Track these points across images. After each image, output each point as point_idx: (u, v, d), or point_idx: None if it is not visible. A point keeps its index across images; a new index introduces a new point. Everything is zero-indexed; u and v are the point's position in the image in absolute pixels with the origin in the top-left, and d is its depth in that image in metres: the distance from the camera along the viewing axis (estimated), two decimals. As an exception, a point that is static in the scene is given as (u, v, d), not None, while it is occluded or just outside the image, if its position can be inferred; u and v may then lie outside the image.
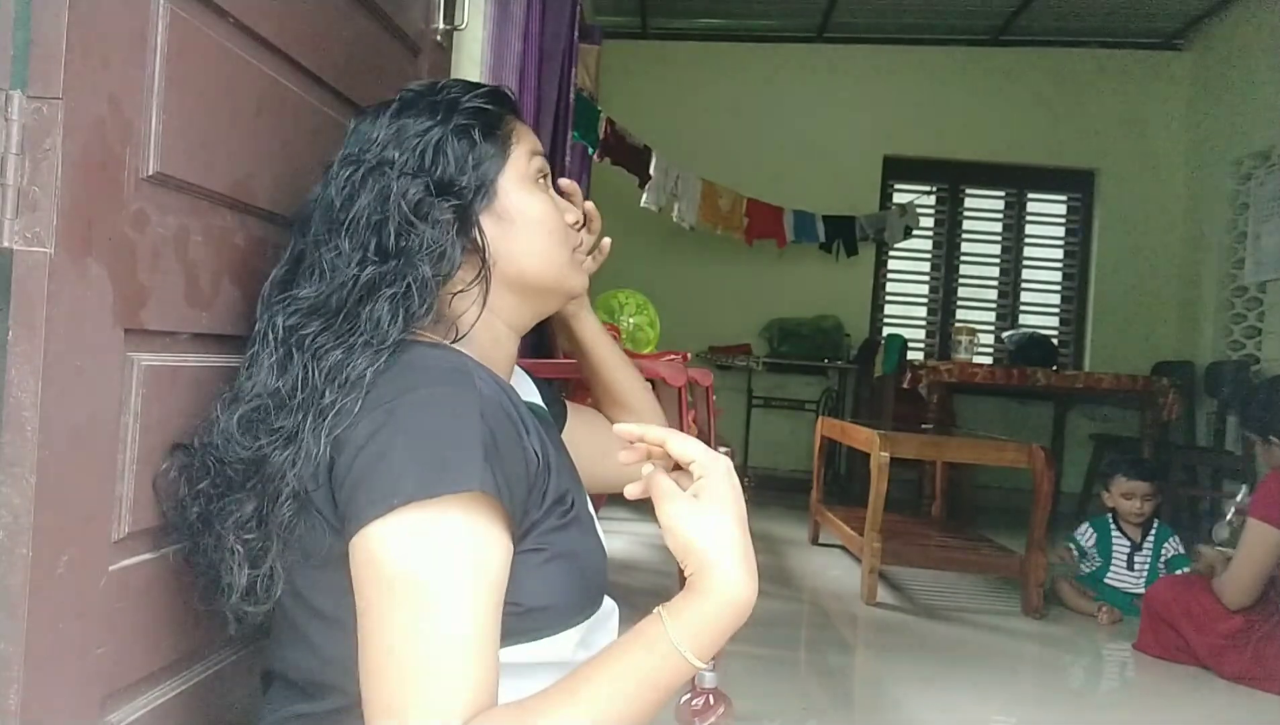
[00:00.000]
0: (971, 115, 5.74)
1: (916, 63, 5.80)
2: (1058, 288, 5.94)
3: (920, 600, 3.12)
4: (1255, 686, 2.37)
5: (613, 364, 1.12)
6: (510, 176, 0.88)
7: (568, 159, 3.02)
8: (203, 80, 0.86)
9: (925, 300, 6.00)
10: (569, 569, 0.81)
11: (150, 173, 0.80)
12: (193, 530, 0.81)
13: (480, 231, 0.85)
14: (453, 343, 0.84)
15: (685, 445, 0.78)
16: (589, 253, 1.05)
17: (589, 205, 1.06)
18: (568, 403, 1.12)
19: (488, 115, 0.88)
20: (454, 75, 1.61)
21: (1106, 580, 3.10)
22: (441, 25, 1.50)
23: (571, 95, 2.96)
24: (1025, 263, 5.94)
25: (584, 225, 1.00)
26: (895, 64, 5.81)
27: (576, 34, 2.96)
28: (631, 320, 3.01)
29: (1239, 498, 2.72)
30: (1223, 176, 5.18)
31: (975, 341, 4.28)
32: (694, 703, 1.61)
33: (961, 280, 5.97)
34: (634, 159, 4.47)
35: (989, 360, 5.40)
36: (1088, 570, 3.14)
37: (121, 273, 0.78)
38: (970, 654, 2.57)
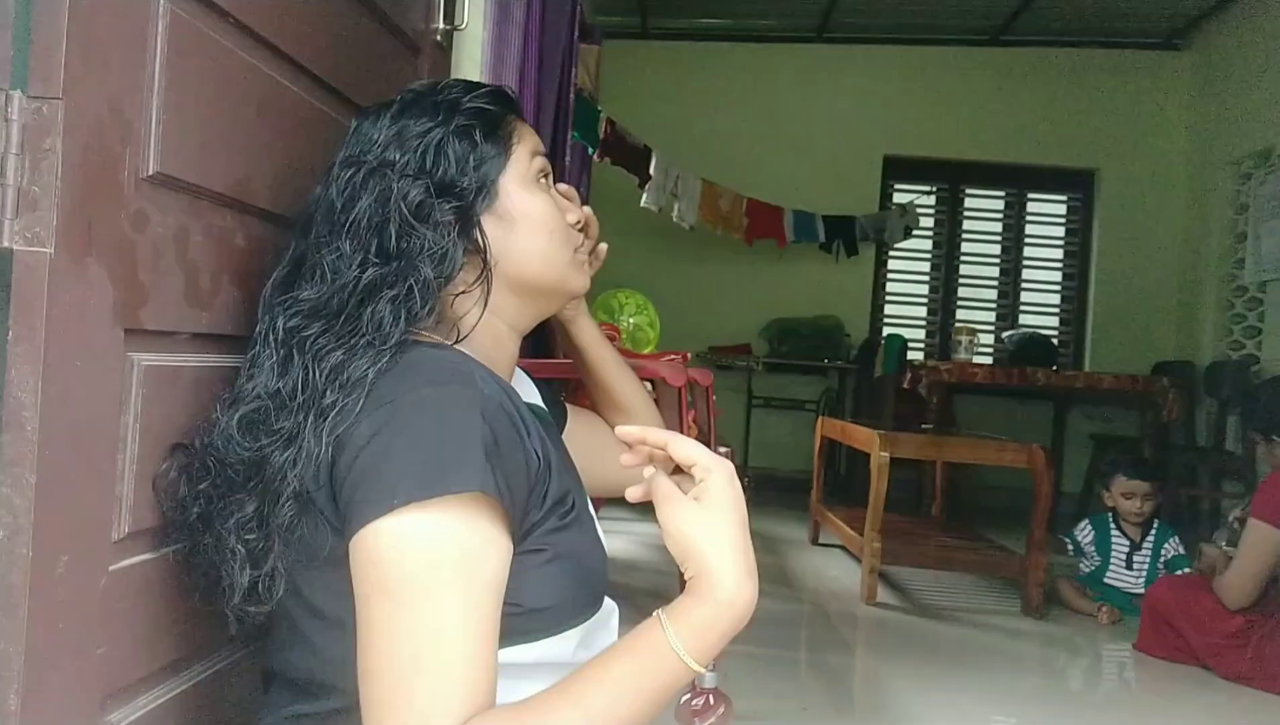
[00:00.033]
0: (971, 115, 5.74)
1: (916, 63, 5.80)
2: (1058, 288, 5.94)
3: (920, 600, 3.12)
4: (1255, 686, 2.37)
5: (610, 368, 1.11)
6: (512, 177, 0.88)
7: (568, 159, 3.02)
8: (203, 80, 0.86)
9: (925, 300, 6.00)
10: (569, 570, 0.81)
11: (150, 173, 0.80)
12: (193, 530, 0.81)
13: (482, 232, 0.85)
14: (454, 344, 0.84)
15: (687, 448, 0.78)
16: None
17: (586, 210, 1.06)
18: (568, 406, 1.12)
19: (489, 115, 0.88)
20: (454, 75, 1.61)
21: (1106, 579, 3.10)
22: (441, 25, 1.50)
23: (571, 95, 2.96)
24: (1025, 263, 5.94)
25: (583, 227, 1.00)
26: (895, 64, 5.81)
27: (576, 34, 2.96)
28: (631, 320, 3.01)
29: (1243, 508, 2.72)
30: (1223, 176, 5.18)
31: (975, 341, 4.27)
32: (694, 703, 1.61)
33: (961, 280, 5.97)
34: (634, 159, 4.47)
35: (989, 360, 5.40)
36: (1087, 570, 3.14)
37: (121, 273, 0.77)
38: (970, 654, 2.57)
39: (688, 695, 1.63)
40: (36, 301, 0.70)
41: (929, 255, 5.98)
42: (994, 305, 5.94)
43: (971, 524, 3.77)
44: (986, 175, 5.92)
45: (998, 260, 5.96)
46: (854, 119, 5.80)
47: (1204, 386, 5.00)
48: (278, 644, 0.83)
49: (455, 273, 0.82)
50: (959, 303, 5.95)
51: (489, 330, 0.88)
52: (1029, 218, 5.96)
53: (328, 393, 0.75)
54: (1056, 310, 5.94)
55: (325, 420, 0.74)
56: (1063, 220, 5.94)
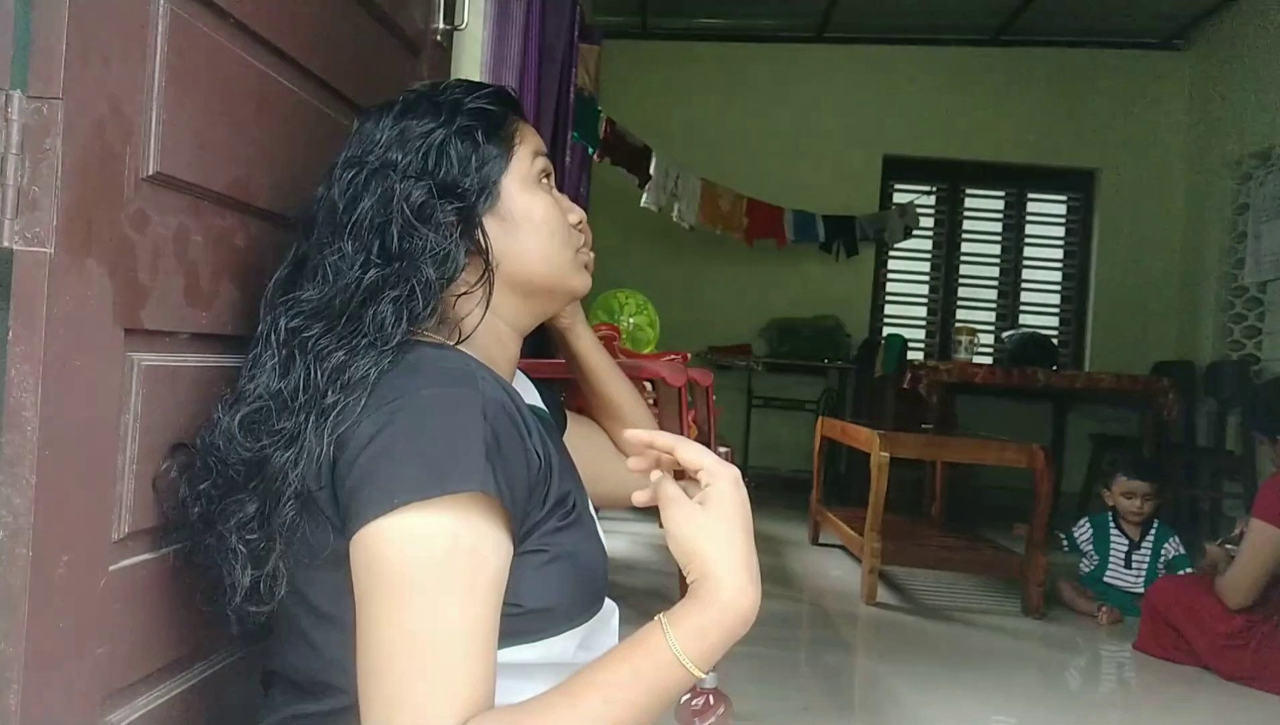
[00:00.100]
0: (971, 115, 5.74)
1: (916, 63, 5.80)
2: (1058, 288, 5.94)
3: (920, 600, 3.12)
4: (1256, 687, 2.37)
5: (606, 376, 1.11)
6: (513, 178, 0.88)
7: (568, 159, 3.02)
8: (203, 80, 0.86)
9: (925, 300, 6.00)
10: (570, 570, 0.81)
11: (150, 173, 0.80)
12: (194, 530, 0.81)
13: (484, 233, 0.85)
14: (456, 344, 0.84)
15: (694, 453, 0.78)
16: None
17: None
18: (567, 412, 1.12)
19: (491, 116, 0.88)
20: (454, 75, 1.61)
21: (1105, 578, 3.10)
22: (441, 25, 1.50)
23: (571, 95, 2.96)
24: (1025, 263, 5.94)
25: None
26: (895, 64, 5.81)
27: (576, 34, 2.96)
28: (631, 320, 3.01)
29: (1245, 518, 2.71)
30: (1223, 176, 5.18)
31: (975, 341, 4.27)
32: (694, 703, 1.61)
33: (961, 280, 5.97)
34: (634, 159, 4.46)
35: (989, 360, 5.40)
36: (1087, 569, 3.15)
37: (121, 273, 0.77)
38: (970, 654, 2.57)
39: (687, 695, 1.63)
40: (36, 301, 0.69)
41: (929, 255, 5.98)
42: (994, 305, 5.94)
43: (971, 524, 3.77)
44: (986, 175, 5.92)
45: (998, 260, 5.96)
46: (854, 119, 5.80)
47: (1204, 386, 5.00)
48: (278, 644, 0.83)
49: (457, 273, 0.82)
50: (959, 303, 5.95)
51: (490, 331, 0.88)
52: (1029, 218, 5.96)
53: (329, 393, 0.75)
54: (1056, 310, 5.94)
55: (326, 420, 0.74)
56: (1063, 220, 5.94)
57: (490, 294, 0.85)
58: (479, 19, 1.80)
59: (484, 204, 0.86)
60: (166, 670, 0.89)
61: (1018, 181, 5.92)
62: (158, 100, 0.80)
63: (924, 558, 3.20)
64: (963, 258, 5.96)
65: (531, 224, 0.88)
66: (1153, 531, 3.10)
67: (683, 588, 0.76)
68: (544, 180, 0.92)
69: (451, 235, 0.82)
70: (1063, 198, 5.93)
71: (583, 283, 0.95)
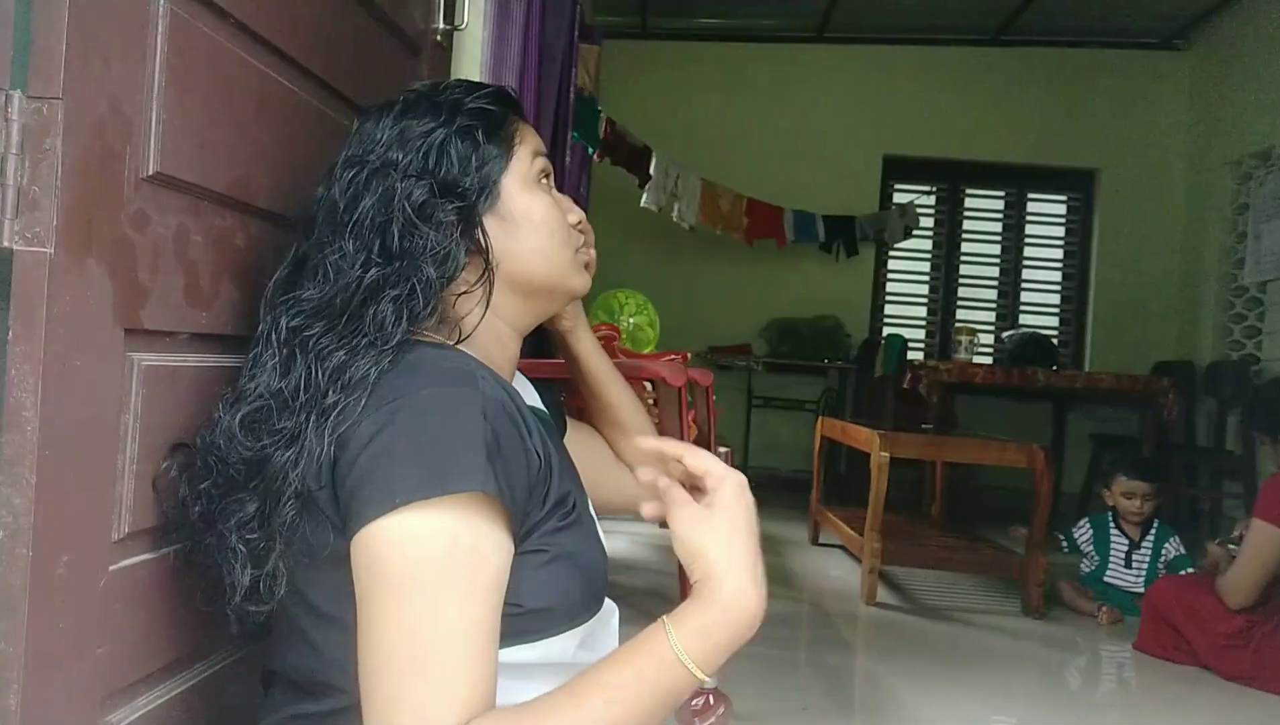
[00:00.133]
0: (971, 115, 5.74)
1: (916, 63, 5.79)
2: (1058, 288, 5.94)
3: (920, 600, 3.12)
4: (1256, 687, 2.37)
5: (607, 381, 1.11)
6: (513, 177, 0.88)
7: (568, 159, 3.02)
8: (203, 80, 0.86)
9: (925, 300, 6.00)
10: (570, 571, 0.81)
11: (150, 173, 0.80)
12: (194, 530, 0.81)
13: (484, 233, 0.85)
14: (456, 344, 0.84)
15: (701, 460, 0.80)
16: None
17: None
18: (567, 417, 1.11)
19: (491, 116, 0.88)
20: (454, 75, 1.61)
21: (1105, 578, 3.10)
22: (441, 25, 1.50)
23: (571, 95, 2.96)
24: (1025, 263, 5.94)
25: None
26: (895, 64, 5.81)
27: (576, 34, 2.96)
28: (631, 320, 3.01)
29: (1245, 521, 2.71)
30: (1223, 176, 5.18)
31: (975, 341, 4.27)
32: (694, 703, 1.61)
33: (961, 280, 5.97)
34: (634, 159, 4.46)
35: (989, 360, 5.40)
36: (1087, 569, 3.15)
37: (121, 273, 0.77)
38: (970, 654, 2.57)
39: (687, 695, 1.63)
40: (36, 301, 0.70)
41: (929, 255, 5.98)
42: (994, 305, 5.94)
43: (971, 524, 3.77)
44: (986, 175, 5.92)
45: (998, 260, 5.96)
46: (854, 119, 5.80)
47: (1204, 386, 5.00)
48: (278, 644, 0.83)
49: (457, 273, 0.83)
50: (959, 303, 5.95)
51: (490, 330, 0.88)
52: (1029, 218, 5.96)
53: (330, 393, 0.75)
54: (1056, 310, 5.94)
55: (327, 420, 0.74)
56: (1063, 220, 5.94)
57: (490, 293, 0.85)
58: (479, 19, 1.80)
59: (484, 203, 0.86)
60: (166, 670, 0.89)
61: (1018, 181, 5.92)
62: (158, 100, 0.80)
63: (924, 558, 3.20)
64: (963, 258, 5.96)
65: (531, 224, 0.88)
66: (1153, 531, 3.10)
67: (683, 589, 0.77)
68: (544, 180, 0.92)
69: (452, 234, 0.82)
70: (1063, 198, 5.93)
71: (582, 282, 0.95)
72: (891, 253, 5.93)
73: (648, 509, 0.82)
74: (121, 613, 0.81)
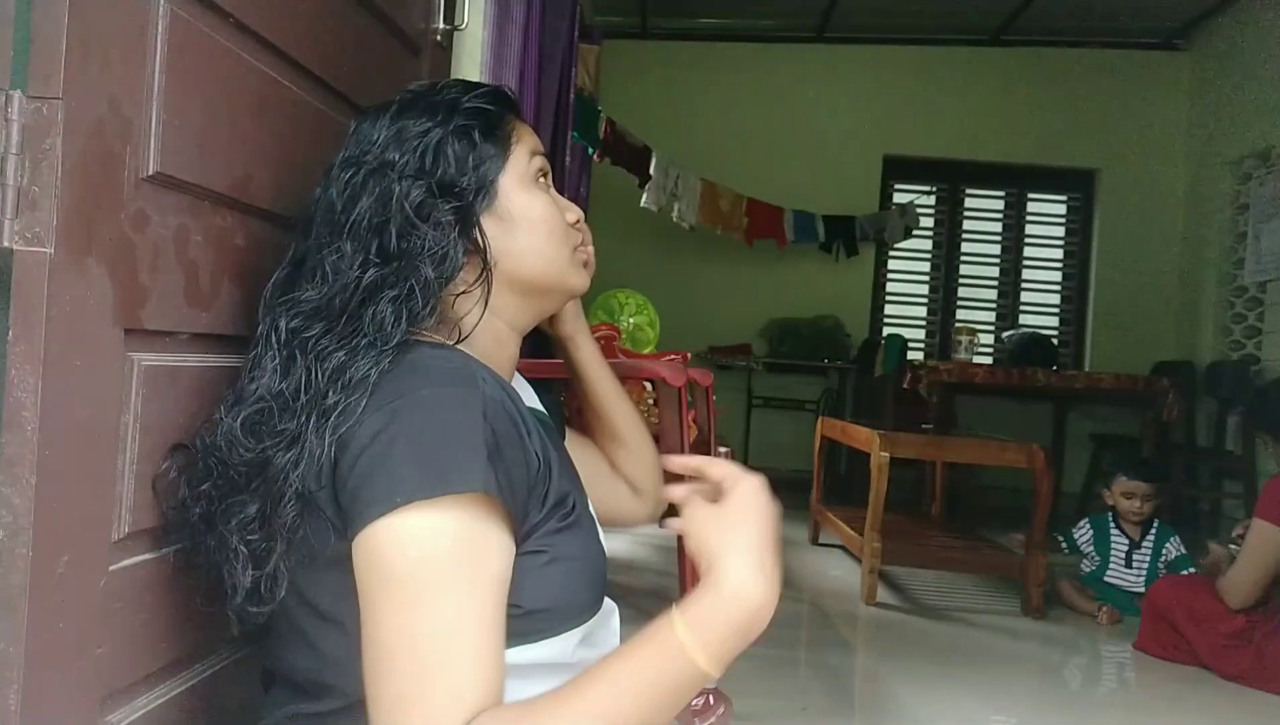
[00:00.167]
0: (971, 115, 5.74)
1: (916, 63, 5.80)
2: (1058, 288, 5.94)
3: (920, 600, 3.12)
4: (1256, 687, 2.37)
5: (606, 392, 1.10)
6: (511, 177, 0.88)
7: (568, 159, 3.02)
8: (203, 80, 0.86)
9: (925, 300, 6.00)
10: (570, 571, 0.81)
11: (150, 173, 0.80)
12: (194, 531, 0.81)
13: (482, 232, 0.85)
14: (455, 344, 0.84)
15: (721, 467, 0.82)
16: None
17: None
18: (567, 427, 1.11)
19: (488, 115, 0.88)
20: (454, 75, 1.61)
21: (1106, 578, 3.10)
22: (441, 25, 1.50)
23: (571, 95, 2.96)
24: (1025, 263, 5.94)
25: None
26: (895, 64, 5.81)
27: (576, 34, 2.96)
28: (631, 320, 3.01)
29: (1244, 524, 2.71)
30: (1223, 176, 5.18)
31: (975, 341, 4.27)
32: (694, 703, 1.61)
33: (961, 280, 5.97)
34: (634, 159, 4.46)
35: (989, 360, 5.40)
36: (1088, 569, 3.15)
37: (121, 273, 0.78)
38: (970, 654, 2.57)
39: (688, 695, 1.63)
40: (36, 301, 0.70)
41: (929, 255, 5.98)
42: (994, 305, 5.94)
43: (971, 524, 3.77)
44: (986, 175, 5.92)
45: (998, 260, 5.96)
46: (854, 119, 5.80)
47: (1204, 386, 5.00)
48: (278, 643, 0.83)
49: (456, 273, 0.82)
50: (959, 303, 5.95)
51: (489, 330, 0.88)
52: (1029, 218, 5.96)
53: (330, 394, 0.75)
54: (1056, 310, 5.94)
55: (328, 421, 0.74)
56: (1063, 220, 5.94)
57: (489, 293, 0.85)
58: (479, 19, 1.80)
59: (481, 203, 0.86)
60: (166, 670, 0.89)
61: (1018, 181, 5.92)
62: (158, 100, 0.80)
63: (924, 558, 3.20)
64: (963, 258, 5.96)
65: (529, 223, 0.88)
66: (1153, 531, 3.10)
67: (682, 588, 0.77)
68: (541, 179, 0.92)
69: (449, 234, 0.82)
70: (1063, 198, 5.93)
71: (581, 281, 0.95)
72: (891, 253, 5.93)
73: (674, 524, 0.82)
74: (121, 613, 0.81)
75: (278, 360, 0.79)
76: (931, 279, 5.99)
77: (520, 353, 0.95)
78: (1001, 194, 5.99)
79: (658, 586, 3.00)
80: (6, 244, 0.69)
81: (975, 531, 3.55)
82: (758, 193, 5.31)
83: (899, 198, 5.87)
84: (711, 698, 1.62)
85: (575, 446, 1.09)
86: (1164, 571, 3.00)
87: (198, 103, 0.85)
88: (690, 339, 4.85)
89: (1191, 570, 2.94)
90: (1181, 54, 5.67)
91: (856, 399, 5.50)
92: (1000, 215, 5.99)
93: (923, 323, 5.97)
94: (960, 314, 5.88)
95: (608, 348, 2.45)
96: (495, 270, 0.86)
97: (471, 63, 1.78)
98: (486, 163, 0.86)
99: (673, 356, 2.53)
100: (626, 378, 2.57)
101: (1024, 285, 5.93)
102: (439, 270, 0.81)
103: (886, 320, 5.93)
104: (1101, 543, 3.13)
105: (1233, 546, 2.62)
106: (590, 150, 3.84)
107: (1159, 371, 4.94)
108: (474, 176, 0.85)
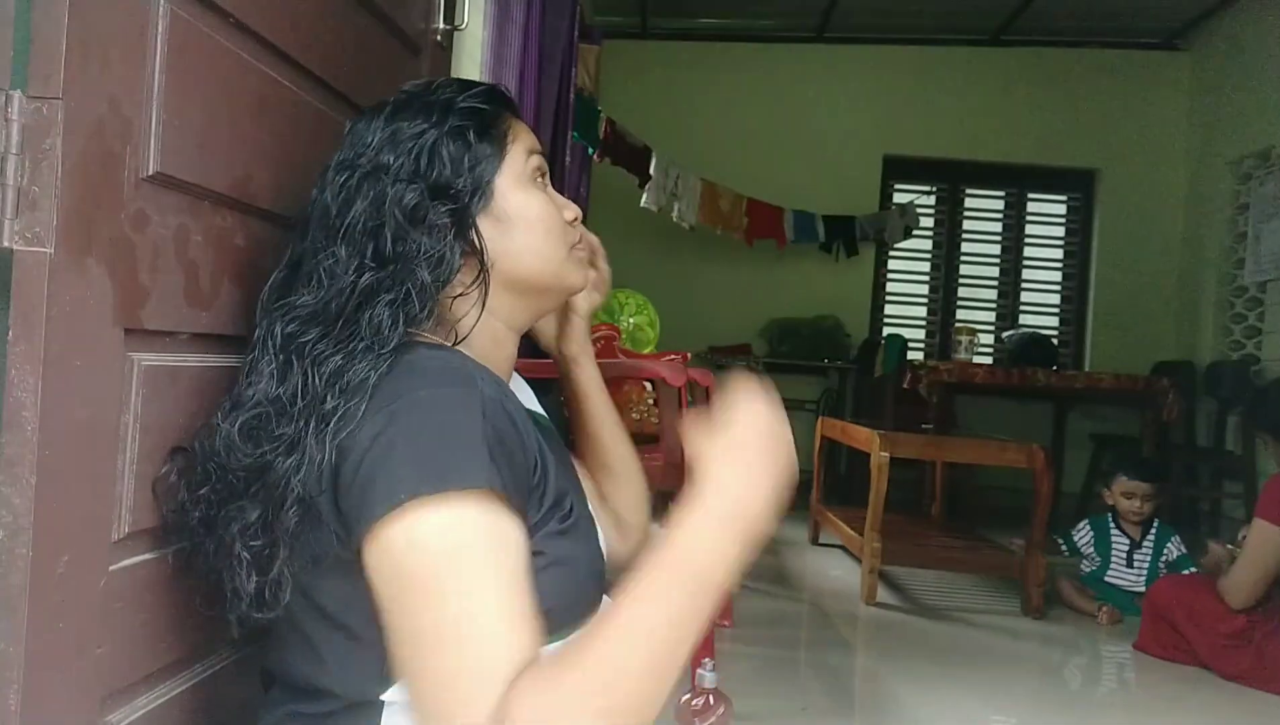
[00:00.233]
0: (971, 115, 5.74)
1: (916, 63, 5.79)
2: (1058, 288, 5.94)
3: (920, 600, 3.12)
4: (1257, 687, 2.37)
5: (604, 421, 1.08)
6: (507, 177, 0.87)
7: (568, 159, 3.02)
8: (203, 80, 0.86)
9: (925, 300, 6.00)
10: (568, 574, 0.80)
11: (150, 173, 0.80)
12: (194, 534, 0.81)
13: (478, 234, 0.85)
14: (453, 345, 0.84)
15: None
16: (595, 287, 1.05)
17: (593, 238, 1.05)
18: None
19: (483, 115, 0.88)
20: (454, 75, 1.61)
21: (1107, 578, 3.10)
22: (441, 25, 1.50)
23: (571, 95, 2.96)
24: (1025, 263, 5.94)
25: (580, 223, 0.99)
26: (895, 64, 5.81)
27: (576, 34, 2.96)
28: (631, 320, 3.01)
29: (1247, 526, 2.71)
30: (1223, 176, 5.18)
31: (975, 342, 4.27)
32: (694, 703, 1.61)
33: (961, 280, 5.97)
34: (634, 159, 4.46)
35: (989, 360, 5.40)
36: (1088, 569, 3.14)
37: (121, 272, 0.77)
38: (970, 654, 2.57)
39: (687, 695, 1.63)
40: (36, 301, 0.70)
41: (929, 255, 5.98)
42: (994, 305, 5.94)
43: (971, 524, 3.77)
44: (986, 175, 5.92)
45: (998, 260, 5.96)
46: (854, 119, 5.80)
47: (1204, 386, 5.00)
48: (278, 645, 0.83)
49: (452, 276, 0.82)
50: (959, 303, 5.95)
51: (487, 331, 0.87)
52: (1029, 218, 5.96)
53: (328, 398, 0.75)
54: (1056, 310, 5.93)
55: (327, 425, 0.74)
56: (1063, 220, 5.94)
57: (486, 295, 0.85)
58: (479, 19, 1.80)
59: (477, 204, 0.85)
60: (166, 670, 0.89)
61: (1018, 181, 5.92)
62: (158, 100, 0.80)
63: (924, 558, 3.20)
64: (963, 258, 5.96)
65: (526, 222, 0.88)
66: (1153, 531, 3.10)
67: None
68: (539, 178, 0.91)
69: (445, 237, 0.81)
70: (1063, 198, 5.93)
71: (579, 279, 0.94)
72: (891, 253, 5.93)
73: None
74: (121, 613, 0.81)
75: (274, 365, 0.78)
76: (931, 279, 5.99)
77: (519, 353, 0.95)
78: (1001, 194, 5.99)
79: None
80: (6, 244, 0.69)
81: (975, 531, 3.55)
82: (758, 193, 5.30)
83: (899, 198, 5.87)
84: (711, 698, 1.62)
85: None
86: (1165, 571, 3.00)
87: (198, 103, 0.85)
88: (690, 339, 4.85)
89: (1192, 570, 2.94)
90: (1181, 54, 5.67)
91: (856, 399, 5.50)
92: (1000, 215, 5.99)
93: (923, 323, 5.97)
94: (960, 314, 5.88)
95: (608, 348, 2.45)
96: (492, 271, 0.85)
97: (471, 63, 1.78)
98: (482, 163, 0.86)
99: (673, 356, 2.53)
100: (626, 378, 2.57)
101: (1024, 285, 5.93)
102: (435, 274, 0.80)
103: (886, 320, 5.93)
104: (1102, 543, 3.13)
105: (1232, 547, 2.62)
106: (590, 150, 3.84)
107: (1159, 371, 4.94)
108: (469, 178, 0.85)
